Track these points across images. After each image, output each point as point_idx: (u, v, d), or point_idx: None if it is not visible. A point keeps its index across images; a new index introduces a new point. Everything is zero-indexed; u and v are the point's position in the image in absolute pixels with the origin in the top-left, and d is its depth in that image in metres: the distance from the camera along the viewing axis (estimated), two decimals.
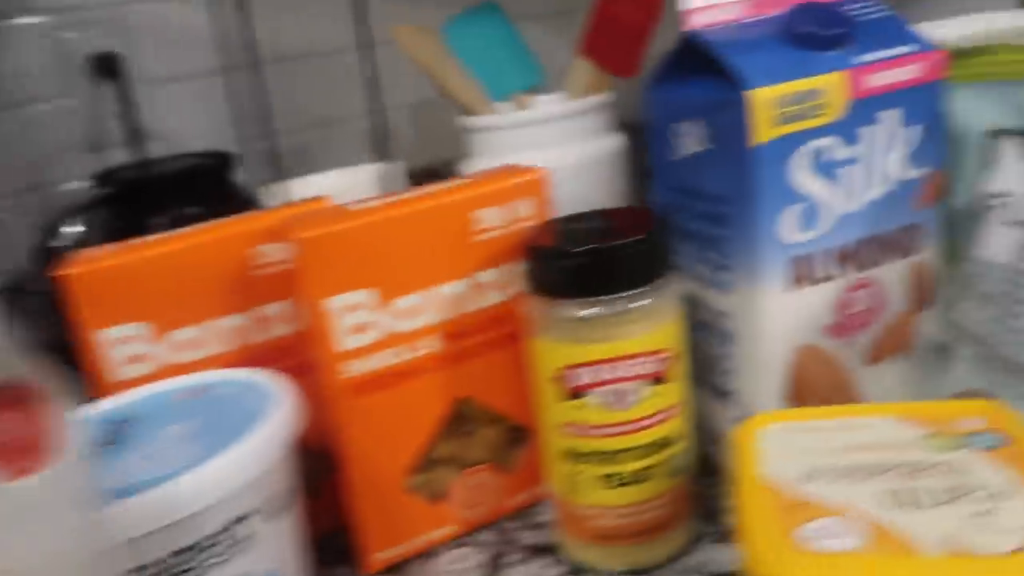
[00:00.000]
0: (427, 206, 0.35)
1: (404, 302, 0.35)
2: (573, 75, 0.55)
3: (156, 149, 0.70)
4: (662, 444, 0.34)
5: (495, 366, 0.38)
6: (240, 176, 0.62)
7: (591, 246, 0.32)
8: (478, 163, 0.55)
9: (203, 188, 0.59)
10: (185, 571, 0.26)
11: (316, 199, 0.38)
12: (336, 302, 0.33)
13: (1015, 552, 0.22)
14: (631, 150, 0.56)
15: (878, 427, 0.30)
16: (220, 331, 0.35)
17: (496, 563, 0.37)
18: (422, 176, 0.50)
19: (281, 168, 0.69)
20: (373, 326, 0.34)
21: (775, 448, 0.29)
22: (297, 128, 0.74)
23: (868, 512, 0.25)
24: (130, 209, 0.57)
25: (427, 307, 0.35)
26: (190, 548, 0.26)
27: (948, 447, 0.28)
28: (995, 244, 0.35)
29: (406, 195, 0.36)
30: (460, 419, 0.38)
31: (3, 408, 0.17)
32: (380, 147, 0.63)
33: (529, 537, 0.39)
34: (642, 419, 0.33)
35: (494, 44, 0.58)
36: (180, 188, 0.59)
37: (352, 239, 0.33)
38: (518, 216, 0.36)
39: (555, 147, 0.55)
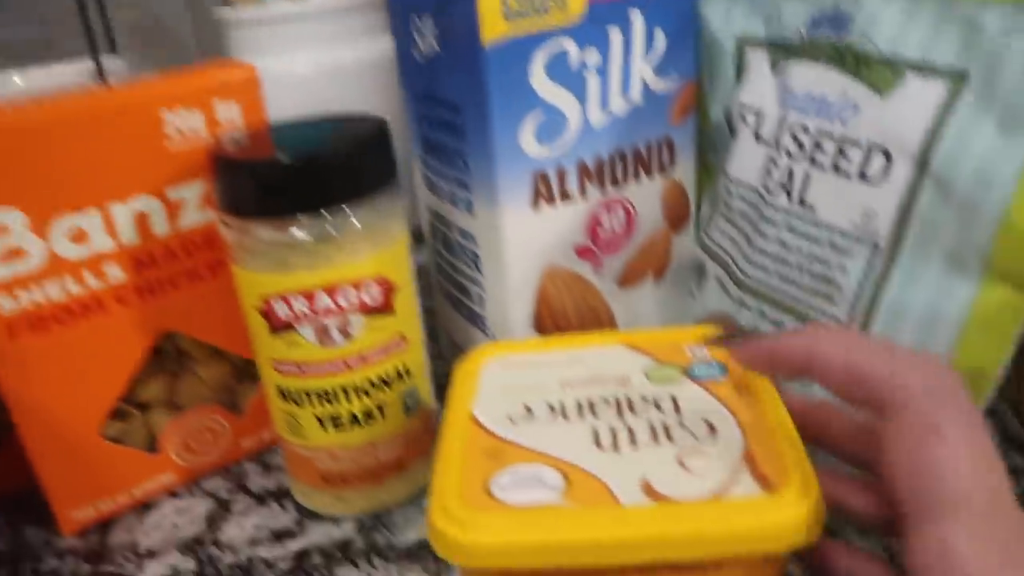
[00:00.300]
0: (93, 107, 0.29)
1: (70, 222, 0.29)
2: None
3: None
4: (388, 381, 0.30)
5: (209, 295, 0.33)
6: None
7: (287, 158, 0.27)
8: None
9: None
10: None
11: None
12: None
13: (710, 498, 0.20)
14: None
15: (603, 358, 0.28)
16: None
17: (221, 512, 0.33)
18: None
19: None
20: (27, 252, 0.28)
21: (492, 384, 0.27)
22: (17, 20, 0.63)
23: (569, 458, 0.22)
24: None
25: (104, 229, 0.29)
26: None
27: (668, 379, 0.26)
28: (743, 161, 0.33)
29: (78, 93, 0.30)
30: (168, 357, 0.33)
31: None
32: (102, 41, 0.55)
33: (261, 482, 0.35)
34: (361, 355, 0.29)
35: None
36: None
37: None
38: (222, 122, 0.31)
39: (326, 46, 0.50)
